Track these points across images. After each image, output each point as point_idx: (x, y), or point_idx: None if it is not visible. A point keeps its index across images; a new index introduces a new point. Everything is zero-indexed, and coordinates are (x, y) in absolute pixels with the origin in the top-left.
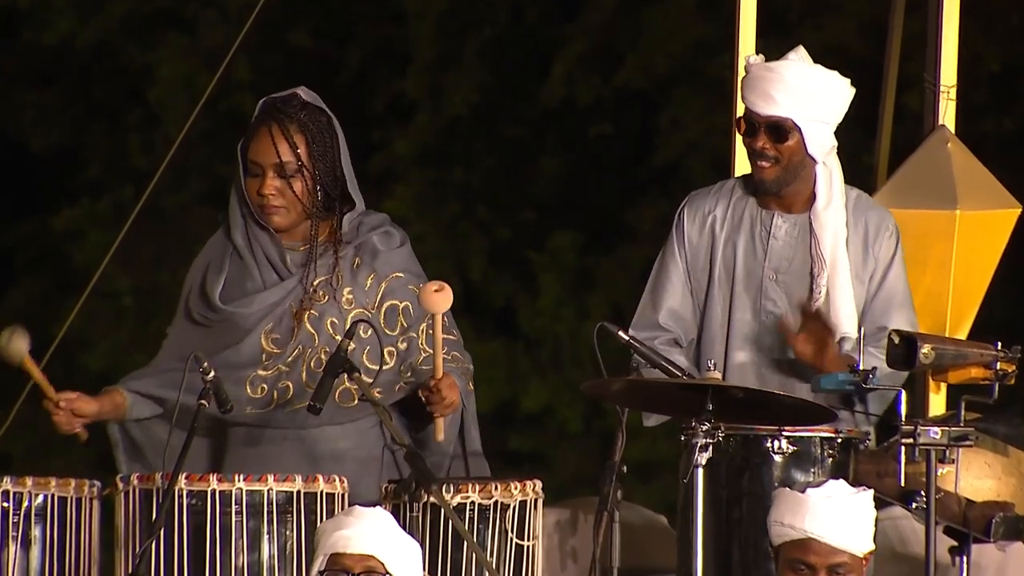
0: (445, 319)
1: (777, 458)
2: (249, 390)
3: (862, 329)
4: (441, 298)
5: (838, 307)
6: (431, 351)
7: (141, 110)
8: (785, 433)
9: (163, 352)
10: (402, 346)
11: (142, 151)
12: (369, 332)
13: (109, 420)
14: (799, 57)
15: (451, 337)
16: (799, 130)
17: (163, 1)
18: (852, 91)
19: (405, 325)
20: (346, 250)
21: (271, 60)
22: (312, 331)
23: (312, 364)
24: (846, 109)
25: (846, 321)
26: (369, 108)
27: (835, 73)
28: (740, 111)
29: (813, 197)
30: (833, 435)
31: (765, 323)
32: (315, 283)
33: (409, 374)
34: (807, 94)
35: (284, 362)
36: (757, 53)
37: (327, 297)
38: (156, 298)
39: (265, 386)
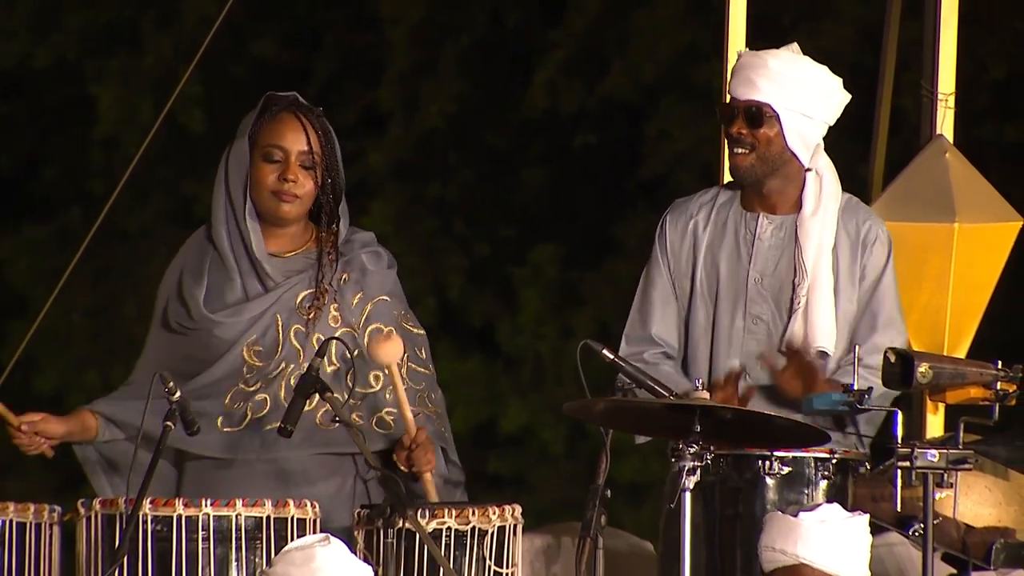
0: (421, 351)
1: (769, 480)
2: (228, 401)
3: (856, 347)
4: (392, 346)
5: (815, 321)
6: (410, 382)
7: (97, 130)
8: (777, 454)
9: (137, 369)
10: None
11: (99, 173)
12: (356, 352)
13: (76, 442)
14: (789, 49)
15: (426, 372)
16: (778, 119)
17: (119, 11)
18: (845, 93)
19: None
20: (335, 265)
21: (231, 68)
22: (297, 346)
23: (292, 380)
24: (837, 111)
25: (823, 336)
26: (340, 120)
27: (825, 69)
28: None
29: (801, 202)
30: (827, 456)
31: (752, 328)
32: (301, 296)
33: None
34: (789, 82)
35: (266, 377)
36: None
37: (314, 312)
38: (108, 319)
39: (242, 402)
